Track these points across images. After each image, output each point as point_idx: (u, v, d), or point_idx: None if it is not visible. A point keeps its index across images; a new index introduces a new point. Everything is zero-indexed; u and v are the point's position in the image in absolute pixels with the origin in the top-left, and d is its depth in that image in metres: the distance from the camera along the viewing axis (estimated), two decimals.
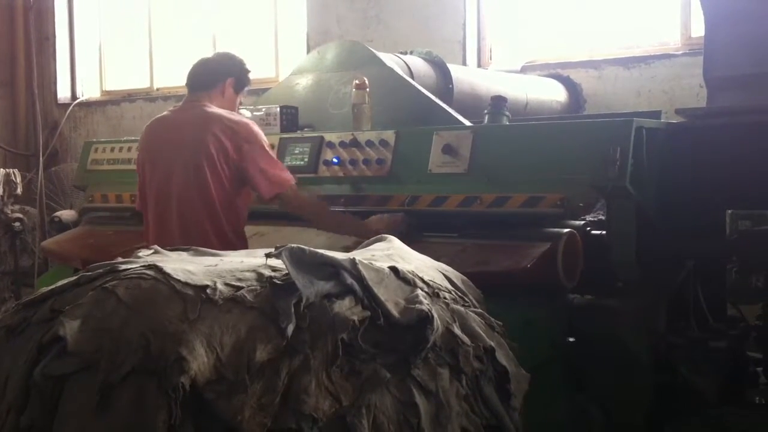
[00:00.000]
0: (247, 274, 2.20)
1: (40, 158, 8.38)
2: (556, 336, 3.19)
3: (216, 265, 2.27)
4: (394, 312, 2.21)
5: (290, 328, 2.04)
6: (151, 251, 2.56)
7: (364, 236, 3.18)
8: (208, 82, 3.84)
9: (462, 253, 3.20)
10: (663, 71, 5.55)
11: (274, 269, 2.22)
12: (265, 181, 3.60)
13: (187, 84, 3.92)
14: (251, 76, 3.98)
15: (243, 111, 4.30)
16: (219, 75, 3.84)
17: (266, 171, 3.60)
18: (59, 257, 4.61)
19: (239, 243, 3.64)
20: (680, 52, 5.55)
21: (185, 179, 3.67)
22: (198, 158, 3.62)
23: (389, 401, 2.09)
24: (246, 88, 3.95)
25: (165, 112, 3.97)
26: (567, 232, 3.14)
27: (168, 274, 2.13)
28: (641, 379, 3.29)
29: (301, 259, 2.19)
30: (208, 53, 7.79)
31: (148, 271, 2.16)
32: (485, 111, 3.96)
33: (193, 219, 3.65)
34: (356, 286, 2.21)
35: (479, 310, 2.52)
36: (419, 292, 2.33)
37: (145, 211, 3.87)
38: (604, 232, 3.26)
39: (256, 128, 3.71)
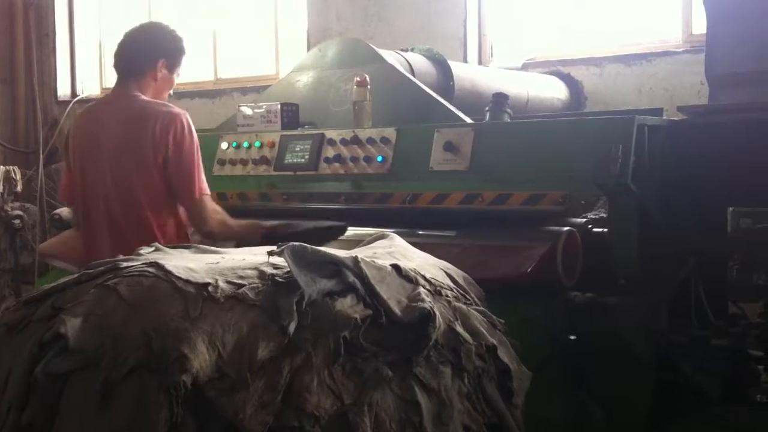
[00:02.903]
0: (249, 272, 2.19)
1: (40, 155, 8.37)
2: (557, 334, 3.19)
3: (218, 263, 2.27)
4: (396, 310, 2.21)
5: (292, 326, 2.04)
6: (152, 248, 2.56)
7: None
8: (137, 67, 3.48)
9: (460, 255, 3.18)
10: (664, 68, 5.54)
11: (275, 267, 2.22)
12: (189, 181, 3.36)
13: (114, 68, 3.55)
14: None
15: (243, 108, 4.29)
16: (149, 57, 3.47)
17: (192, 171, 3.37)
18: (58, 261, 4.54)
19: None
20: (681, 50, 5.54)
21: (114, 180, 3.41)
22: (129, 157, 3.37)
23: (391, 399, 2.09)
24: (182, 62, 3.59)
25: (92, 103, 3.72)
26: (566, 231, 3.12)
27: (169, 272, 2.13)
28: (642, 377, 3.29)
29: (303, 257, 2.19)
30: (207, 51, 7.84)
31: (149, 269, 2.16)
32: (486, 108, 3.95)
33: (122, 223, 3.41)
34: (358, 284, 2.20)
35: (481, 308, 2.52)
36: (421, 290, 2.33)
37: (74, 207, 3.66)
38: (605, 229, 3.25)
39: (187, 123, 3.41)
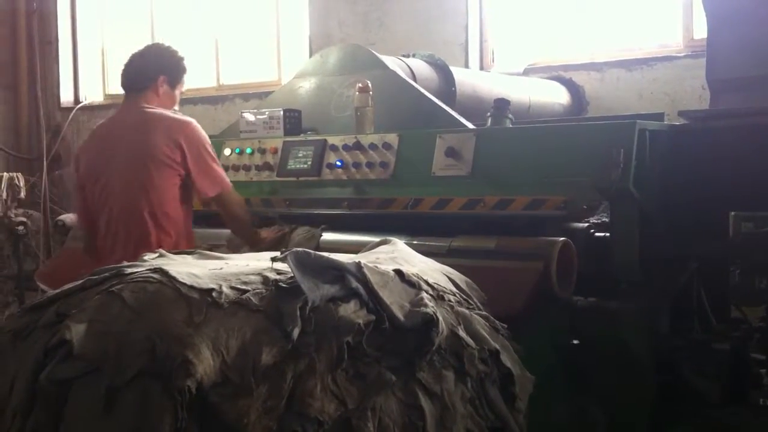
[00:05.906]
0: (253, 278, 2.20)
1: (44, 162, 8.38)
2: (559, 338, 3.19)
3: (221, 269, 2.28)
4: (399, 315, 2.22)
5: (295, 332, 2.05)
6: (156, 254, 2.58)
7: (255, 245, 3.49)
8: (139, 83, 3.75)
9: None
10: (665, 73, 5.54)
11: (279, 272, 2.23)
12: (207, 179, 3.64)
13: (122, 86, 3.84)
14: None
15: (245, 114, 4.31)
16: (149, 74, 3.76)
17: (208, 170, 3.65)
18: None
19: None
20: (682, 54, 5.55)
21: (128, 187, 3.59)
22: (142, 163, 3.56)
23: (394, 404, 2.10)
24: (183, 79, 3.88)
25: (103, 120, 3.91)
26: (560, 245, 3.09)
27: (173, 278, 2.14)
28: (644, 380, 3.29)
29: (306, 263, 2.20)
30: (210, 58, 7.85)
31: (153, 275, 2.17)
32: (488, 113, 3.96)
33: (138, 228, 3.56)
34: (361, 290, 2.21)
35: (484, 313, 2.53)
36: (424, 295, 2.34)
37: (93, 226, 3.76)
38: (607, 234, 3.26)
39: (198, 128, 3.69)
